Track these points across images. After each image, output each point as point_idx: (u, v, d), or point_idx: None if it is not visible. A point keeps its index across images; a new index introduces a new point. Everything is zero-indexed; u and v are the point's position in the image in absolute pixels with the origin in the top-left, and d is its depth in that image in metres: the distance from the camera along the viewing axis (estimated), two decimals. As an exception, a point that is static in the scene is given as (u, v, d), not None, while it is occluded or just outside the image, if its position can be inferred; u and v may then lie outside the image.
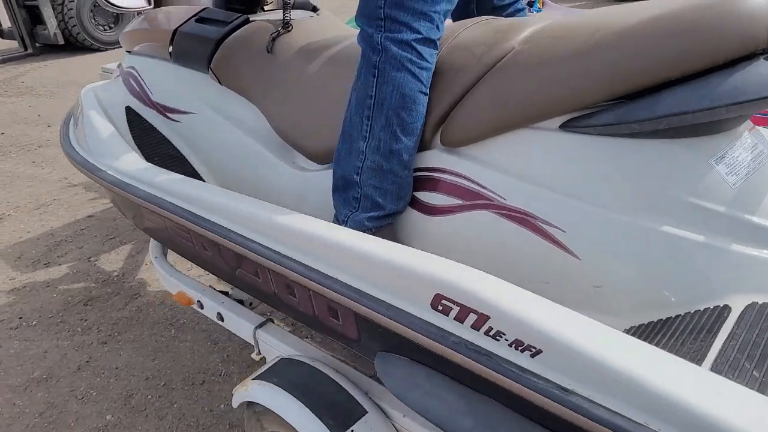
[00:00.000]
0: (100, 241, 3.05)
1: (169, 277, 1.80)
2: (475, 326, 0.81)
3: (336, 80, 1.29)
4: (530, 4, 2.95)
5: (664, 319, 0.88)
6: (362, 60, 1.08)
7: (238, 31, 1.51)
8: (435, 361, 0.91)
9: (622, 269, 0.91)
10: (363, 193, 1.11)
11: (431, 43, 1.05)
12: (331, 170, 1.32)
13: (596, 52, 0.89)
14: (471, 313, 0.80)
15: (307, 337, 1.58)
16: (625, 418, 0.65)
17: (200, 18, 1.57)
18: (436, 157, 1.11)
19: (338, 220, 1.16)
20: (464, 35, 1.11)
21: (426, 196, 1.12)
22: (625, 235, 0.90)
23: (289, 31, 1.47)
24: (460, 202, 1.07)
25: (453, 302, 0.82)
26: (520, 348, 0.76)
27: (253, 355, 1.58)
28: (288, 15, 1.47)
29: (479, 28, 1.12)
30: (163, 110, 1.74)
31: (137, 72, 1.79)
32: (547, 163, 0.97)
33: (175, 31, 1.59)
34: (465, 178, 1.06)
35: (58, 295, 2.58)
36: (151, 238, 1.98)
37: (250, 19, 1.53)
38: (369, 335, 1.03)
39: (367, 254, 0.93)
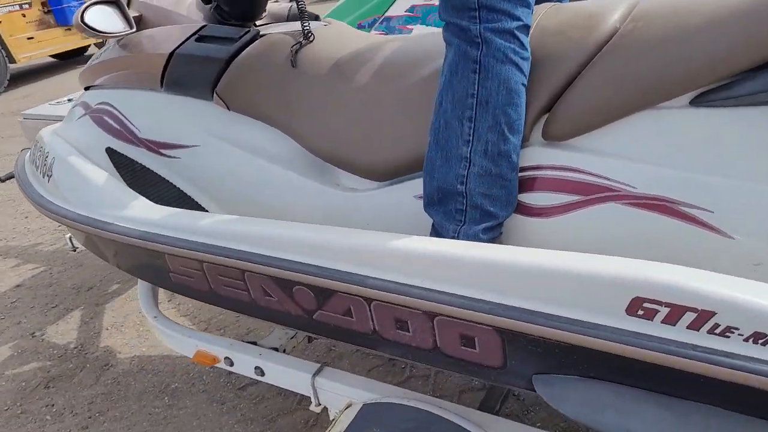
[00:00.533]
0: (39, 311, 2.67)
1: (181, 336, 1.58)
2: (693, 326, 0.73)
3: (397, 87, 1.17)
4: None
5: None
6: (454, 57, 0.98)
7: (251, 47, 1.34)
8: (625, 374, 0.81)
9: None
10: (470, 204, 1.00)
11: (528, 30, 0.97)
12: (391, 187, 1.20)
13: (731, 24, 0.85)
14: (687, 312, 0.72)
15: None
16: None
17: (201, 36, 1.39)
18: (540, 154, 1.02)
19: (441, 237, 1.04)
20: (546, 21, 1.04)
21: (532, 198, 1.03)
22: None
23: (311, 41, 1.33)
24: (577, 198, 0.99)
25: (659, 303, 0.74)
26: (760, 341, 0.69)
27: (313, 407, 1.40)
28: (307, 25, 1.33)
29: (560, 12, 1.05)
30: (156, 147, 1.52)
31: (115, 108, 1.56)
32: (680, 143, 0.92)
33: (171, 54, 1.39)
34: (581, 171, 0.99)
35: (9, 383, 2.21)
36: (141, 299, 1.73)
37: (261, 32, 1.37)
38: (520, 359, 0.91)
39: (533, 267, 0.82)
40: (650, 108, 0.93)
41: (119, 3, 1.48)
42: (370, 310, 1.04)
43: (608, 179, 0.97)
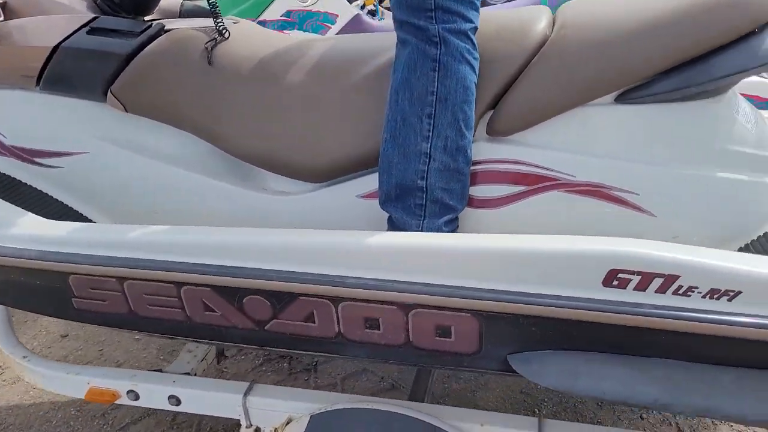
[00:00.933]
0: None
1: (66, 374, 1.37)
2: (661, 290, 0.84)
3: (336, 86, 1.15)
4: (372, 13, 3.01)
5: (737, 251, 1.04)
6: (412, 55, 1.00)
7: (156, 42, 1.22)
8: (593, 341, 0.90)
9: (693, 217, 1.04)
10: (430, 198, 1.03)
11: (476, 32, 1.03)
12: (331, 187, 1.19)
13: (648, 32, 1.00)
14: (656, 278, 0.83)
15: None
16: None
17: (93, 29, 1.22)
18: (485, 149, 1.09)
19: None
20: (484, 26, 1.11)
21: (481, 190, 1.09)
22: (690, 186, 1.03)
23: (227, 39, 1.25)
24: (522, 188, 1.08)
25: (632, 273, 0.84)
26: (716, 296, 0.82)
27: (244, 430, 1.31)
28: (221, 21, 1.25)
29: (493, 18, 1.13)
30: (29, 155, 1.30)
31: None
32: (608, 135, 1.05)
33: (55, 47, 1.20)
34: (524, 164, 1.07)
35: None
36: None
37: (167, 27, 1.25)
38: (496, 341, 0.96)
39: (513, 250, 0.88)
40: (582, 105, 1.05)
41: None
42: (336, 312, 1.01)
43: (550, 170, 1.06)
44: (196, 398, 1.31)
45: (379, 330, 1.01)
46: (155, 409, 1.85)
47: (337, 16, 2.68)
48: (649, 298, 0.85)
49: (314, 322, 1.04)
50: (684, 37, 0.98)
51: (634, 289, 0.85)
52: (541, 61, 1.05)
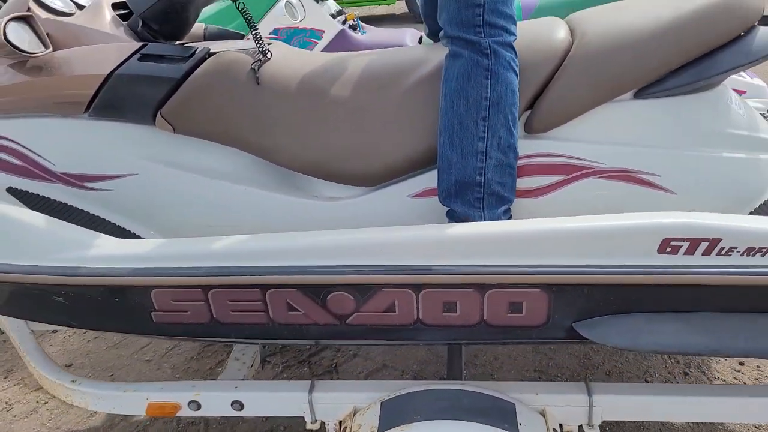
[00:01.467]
0: None
1: (123, 392, 1.40)
2: (707, 252, 1.00)
3: (383, 97, 1.26)
4: (353, 28, 3.10)
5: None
6: (466, 65, 1.12)
7: (204, 65, 1.29)
8: (650, 303, 1.06)
9: (705, 191, 1.22)
10: (487, 191, 1.16)
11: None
12: (383, 190, 1.29)
13: (658, 37, 1.17)
14: (702, 242, 0.99)
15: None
16: None
17: (144, 55, 1.28)
18: (525, 145, 1.23)
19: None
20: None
21: (523, 182, 1.23)
22: (701, 166, 1.21)
23: (269, 59, 1.34)
24: (561, 177, 1.22)
25: (682, 240, 1.00)
26: (752, 254, 0.99)
27: (309, 426, 1.38)
28: (262, 42, 1.34)
29: (522, 31, 1.28)
30: (78, 181, 1.33)
31: (13, 141, 1.32)
32: (631, 126, 1.22)
33: (109, 74, 1.25)
34: (560, 156, 1.22)
35: None
36: (43, 367, 1.48)
37: (211, 51, 1.32)
38: (563, 312, 1.10)
39: (577, 230, 1.02)
40: (606, 102, 1.21)
41: (32, 20, 1.27)
42: (417, 299, 1.12)
43: (583, 159, 1.21)
44: (260, 400, 1.37)
45: (456, 312, 1.12)
46: (187, 423, 1.88)
47: (323, 31, 2.78)
48: (698, 260, 1.01)
49: (395, 311, 1.14)
50: (689, 40, 1.16)
51: (684, 254, 1.01)
52: (569, 66, 1.20)
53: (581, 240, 1.04)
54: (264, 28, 2.64)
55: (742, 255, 1.00)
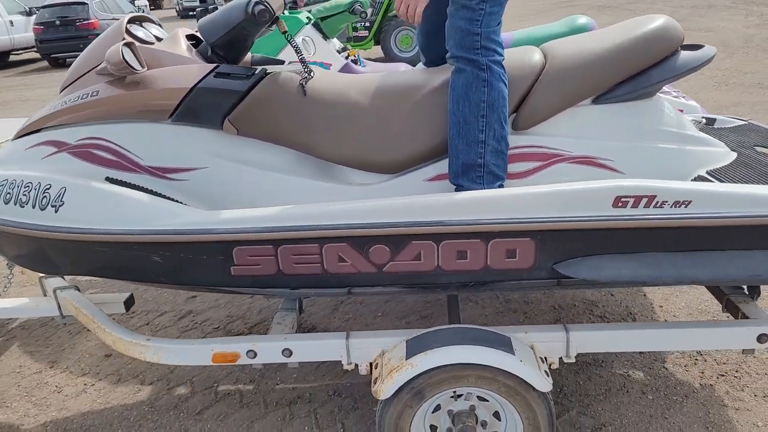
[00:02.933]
0: None
1: (192, 346, 1.72)
2: (647, 205, 1.40)
3: (404, 105, 1.65)
4: (355, 62, 3.54)
5: None
6: (468, 78, 1.52)
7: (263, 81, 1.66)
8: (609, 246, 1.45)
9: (647, 173, 1.62)
10: (486, 171, 1.55)
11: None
12: (404, 176, 1.67)
13: (609, 58, 1.59)
14: (643, 198, 1.39)
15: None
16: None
17: (218, 73, 1.64)
18: (512, 140, 1.62)
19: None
20: (506, 61, 1.67)
21: (512, 168, 1.63)
22: (643, 153, 1.62)
23: (312, 77, 1.72)
24: (539, 163, 1.62)
25: (630, 197, 1.40)
26: (677, 205, 1.39)
27: (345, 366, 1.70)
28: (306, 65, 1.72)
29: (509, 56, 1.68)
30: (162, 172, 1.68)
31: (109, 141, 1.66)
32: (591, 124, 1.62)
33: (193, 87, 1.61)
34: (539, 147, 1.62)
35: None
36: (119, 332, 1.78)
37: (268, 71, 1.70)
38: (545, 255, 1.48)
39: (558, 192, 1.41)
40: (572, 106, 1.62)
41: (133, 46, 1.63)
42: (437, 249, 1.48)
43: (557, 149, 1.62)
44: (305, 347, 1.69)
45: (466, 259, 1.49)
46: (224, 394, 2.17)
47: (331, 64, 3.22)
48: (640, 211, 1.41)
49: (420, 260, 1.50)
50: (630, 60, 1.58)
51: (631, 207, 1.40)
52: (543, 80, 1.61)
53: (558, 198, 1.42)
54: (285, 57, 3.05)
55: (671, 206, 1.40)
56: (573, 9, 14.81)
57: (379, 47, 8.89)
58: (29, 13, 13.58)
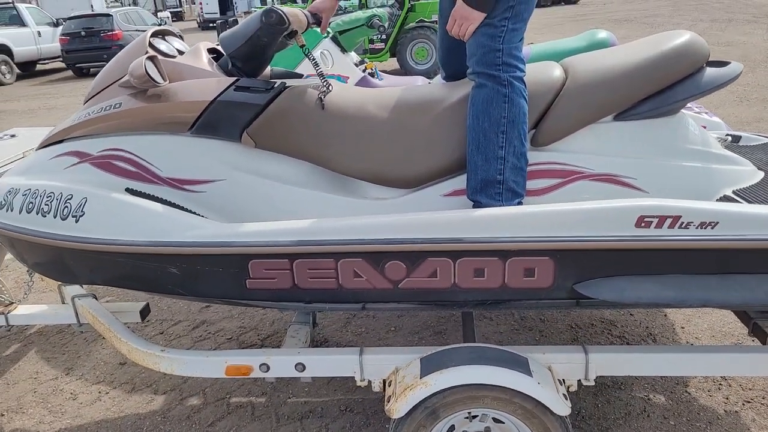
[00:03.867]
0: None
1: (205, 358, 1.71)
2: (671, 225, 1.37)
3: (421, 120, 1.64)
4: (372, 75, 3.55)
5: None
6: (490, 93, 1.51)
7: (282, 95, 1.66)
8: (631, 266, 1.41)
9: (671, 192, 1.59)
10: (505, 188, 1.52)
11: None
12: (421, 191, 1.65)
13: (631, 74, 1.56)
14: (667, 219, 1.36)
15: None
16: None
17: (238, 87, 1.65)
18: (531, 156, 1.60)
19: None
20: (527, 76, 1.65)
21: (531, 184, 1.60)
22: (667, 172, 1.59)
23: (330, 91, 1.72)
24: (560, 180, 1.60)
25: (653, 217, 1.37)
26: (704, 227, 1.36)
27: (359, 383, 1.68)
28: (325, 79, 1.72)
29: (530, 72, 1.66)
30: (180, 184, 1.68)
31: (129, 152, 1.67)
32: (612, 141, 1.60)
33: (213, 100, 1.62)
34: (560, 164, 1.60)
35: None
36: (134, 341, 1.77)
37: (287, 84, 1.70)
38: (565, 275, 1.45)
39: (579, 210, 1.39)
40: (593, 123, 1.59)
41: (155, 59, 1.65)
42: (454, 267, 1.46)
43: (577, 166, 1.59)
44: (319, 362, 1.67)
45: (483, 277, 1.47)
46: (236, 406, 2.16)
47: (348, 77, 3.23)
48: (664, 231, 1.37)
49: (437, 277, 1.48)
50: (654, 76, 1.56)
51: (655, 227, 1.37)
52: (564, 97, 1.59)
53: (578, 217, 1.40)
54: (303, 71, 3.07)
55: (697, 228, 1.37)
56: (586, 23, 14.79)
57: (394, 59, 8.93)
58: (56, 24, 13.89)
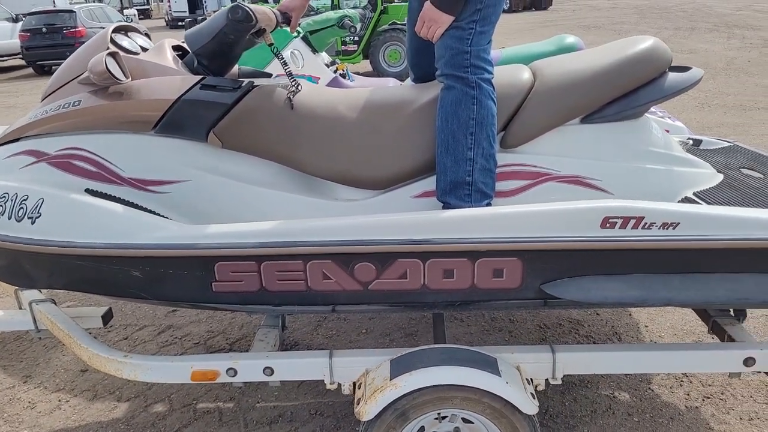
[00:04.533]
0: None
1: (170, 363, 1.67)
2: (635, 226, 1.39)
3: (392, 120, 1.63)
4: (343, 76, 3.52)
5: None
6: (458, 95, 1.51)
7: (249, 94, 1.64)
8: (596, 266, 1.43)
9: (635, 193, 1.62)
10: (474, 189, 1.53)
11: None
12: (391, 193, 1.65)
13: (597, 78, 1.59)
14: (631, 219, 1.38)
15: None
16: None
17: (204, 85, 1.62)
18: (500, 158, 1.61)
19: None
20: (495, 79, 1.66)
21: (500, 186, 1.61)
22: (631, 174, 1.61)
23: (300, 90, 1.70)
24: (528, 182, 1.61)
25: (618, 217, 1.39)
26: (666, 227, 1.38)
27: (329, 386, 1.66)
28: (294, 78, 1.70)
29: (498, 74, 1.67)
30: (143, 184, 1.64)
31: (90, 151, 1.62)
32: (579, 143, 1.62)
33: (178, 99, 1.58)
34: (527, 165, 1.61)
35: None
36: (95, 347, 1.72)
37: (255, 83, 1.68)
38: (533, 275, 1.46)
39: (545, 211, 1.40)
40: (561, 125, 1.61)
41: (117, 56, 1.60)
42: (424, 267, 1.46)
43: (545, 168, 1.60)
44: (287, 366, 1.65)
45: (453, 278, 1.47)
46: (203, 412, 2.12)
47: (319, 78, 3.20)
48: (628, 232, 1.39)
49: (406, 278, 1.47)
50: (618, 80, 1.58)
51: (619, 228, 1.39)
52: (532, 99, 1.61)
53: (545, 218, 1.41)
54: (272, 70, 3.04)
55: (659, 228, 1.39)
56: (556, 28, 15.06)
57: (367, 61, 8.93)
58: (16, 20, 13.46)
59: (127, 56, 1.69)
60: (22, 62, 13.45)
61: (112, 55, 1.58)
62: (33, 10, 12.81)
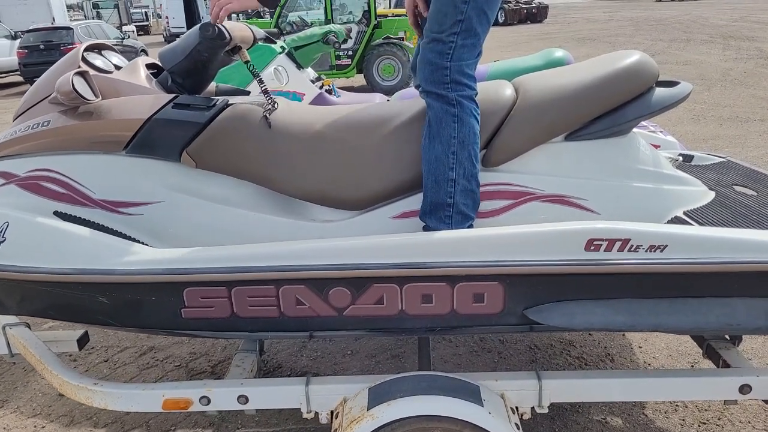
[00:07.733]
0: None
1: (142, 391, 1.60)
2: (621, 249, 1.33)
3: (371, 140, 1.58)
4: (329, 92, 3.48)
5: None
6: (439, 113, 1.46)
7: (224, 113, 1.59)
8: (581, 291, 1.37)
9: (622, 213, 1.56)
10: (455, 211, 1.47)
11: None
12: (369, 213, 1.59)
13: (582, 94, 1.54)
14: (617, 242, 1.33)
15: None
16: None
17: (176, 104, 1.57)
18: (482, 177, 1.56)
19: (437, 236, 1.47)
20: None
21: (482, 206, 1.55)
22: (618, 192, 1.56)
23: (276, 108, 1.65)
24: (511, 201, 1.55)
25: (602, 240, 1.33)
26: (653, 250, 1.32)
27: (306, 415, 1.60)
28: (270, 96, 1.65)
29: (480, 90, 1.62)
30: (114, 206, 1.58)
31: (59, 173, 1.57)
32: (563, 161, 1.56)
33: (149, 118, 1.53)
34: (510, 184, 1.56)
35: None
36: (64, 374, 1.65)
37: (229, 102, 1.63)
38: (515, 300, 1.40)
39: (526, 234, 1.34)
40: (544, 143, 1.56)
41: (87, 75, 1.55)
42: (401, 293, 1.40)
43: (528, 187, 1.55)
44: (262, 394, 1.58)
45: (431, 303, 1.41)
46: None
47: (304, 94, 3.16)
48: (614, 255, 1.33)
49: (383, 303, 1.41)
50: (604, 96, 1.53)
51: (604, 251, 1.33)
52: (515, 116, 1.56)
53: (527, 241, 1.35)
54: (254, 89, 2.99)
55: (646, 251, 1.33)
56: (551, 41, 15.10)
57: (362, 76, 8.92)
58: (14, 37, 13.51)
59: (98, 75, 1.65)
60: (20, 79, 13.49)
61: (81, 74, 1.53)
62: (31, 27, 12.86)
